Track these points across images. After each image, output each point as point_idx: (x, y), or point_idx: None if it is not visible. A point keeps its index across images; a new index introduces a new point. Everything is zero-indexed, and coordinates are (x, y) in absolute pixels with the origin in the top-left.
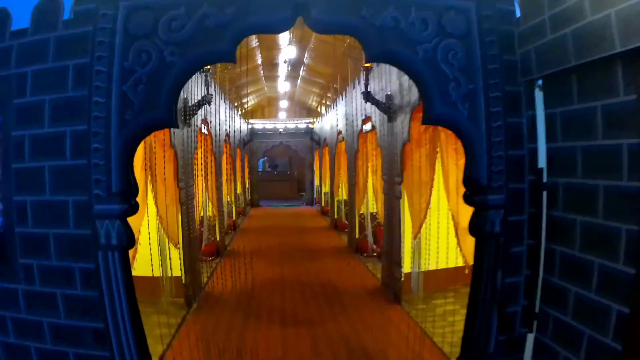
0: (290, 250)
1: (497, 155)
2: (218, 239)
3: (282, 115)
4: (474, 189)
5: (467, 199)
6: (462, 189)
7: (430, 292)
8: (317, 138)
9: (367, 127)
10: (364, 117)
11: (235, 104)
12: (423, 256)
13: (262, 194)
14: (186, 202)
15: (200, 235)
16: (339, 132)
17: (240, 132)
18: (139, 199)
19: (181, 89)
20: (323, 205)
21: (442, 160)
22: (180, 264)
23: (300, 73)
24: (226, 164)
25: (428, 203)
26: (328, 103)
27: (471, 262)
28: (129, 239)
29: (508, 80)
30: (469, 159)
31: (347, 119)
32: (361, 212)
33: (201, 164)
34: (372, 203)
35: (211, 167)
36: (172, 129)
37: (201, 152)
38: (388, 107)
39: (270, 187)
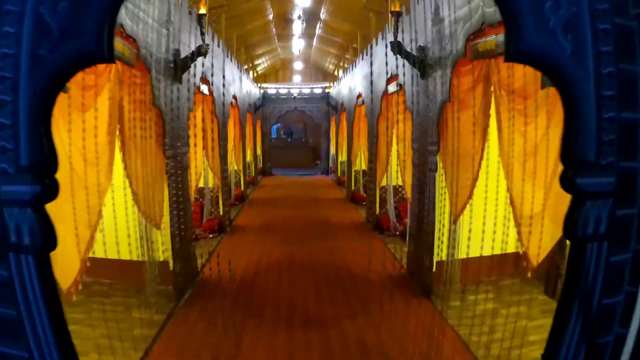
0: (302, 226)
1: (607, 118)
2: (221, 213)
3: (296, 79)
4: (577, 167)
5: (567, 182)
6: (530, 165)
7: (466, 284)
8: (334, 103)
9: (393, 87)
10: (388, 77)
11: (246, 67)
12: (462, 241)
13: (275, 162)
14: (176, 173)
15: (200, 210)
16: (359, 95)
17: (251, 95)
18: (101, 169)
19: (119, 8)
20: (339, 175)
21: (500, 126)
22: (168, 248)
23: (316, 31)
24: (234, 129)
25: (475, 179)
26: (346, 65)
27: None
28: (47, 238)
29: (617, 10)
30: (570, 121)
31: (368, 80)
32: (382, 184)
33: (200, 129)
34: (395, 175)
35: (213, 132)
36: (156, 84)
37: (200, 115)
38: (421, 61)
39: (283, 154)
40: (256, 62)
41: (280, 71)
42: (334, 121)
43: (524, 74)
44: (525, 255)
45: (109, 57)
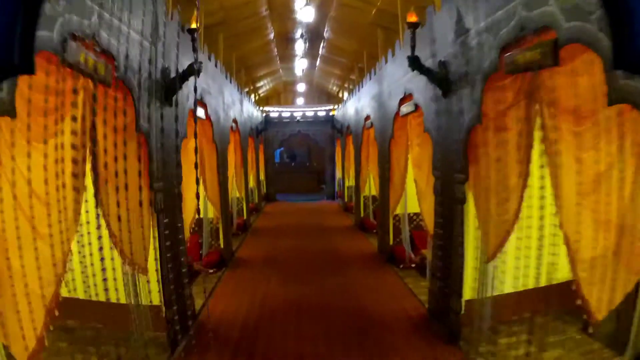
0: (309, 258)
1: None
2: (222, 246)
3: (299, 101)
4: None
5: None
6: (591, 199)
7: (497, 323)
8: (339, 126)
9: (407, 108)
10: (401, 96)
11: (247, 89)
12: (496, 277)
13: (279, 187)
14: (166, 208)
15: (198, 243)
16: (366, 117)
17: (252, 119)
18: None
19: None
20: (346, 200)
21: (549, 152)
22: (159, 293)
23: (320, 51)
24: (235, 155)
25: (517, 213)
26: (351, 87)
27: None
28: None
29: None
30: None
31: (378, 101)
32: (396, 213)
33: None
34: (411, 203)
35: (211, 159)
36: (139, 107)
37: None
38: (443, 78)
39: (287, 179)
40: (257, 85)
41: (282, 94)
42: (339, 145)
43: (577, 90)
44: (586, 307)
45: (23, 66)
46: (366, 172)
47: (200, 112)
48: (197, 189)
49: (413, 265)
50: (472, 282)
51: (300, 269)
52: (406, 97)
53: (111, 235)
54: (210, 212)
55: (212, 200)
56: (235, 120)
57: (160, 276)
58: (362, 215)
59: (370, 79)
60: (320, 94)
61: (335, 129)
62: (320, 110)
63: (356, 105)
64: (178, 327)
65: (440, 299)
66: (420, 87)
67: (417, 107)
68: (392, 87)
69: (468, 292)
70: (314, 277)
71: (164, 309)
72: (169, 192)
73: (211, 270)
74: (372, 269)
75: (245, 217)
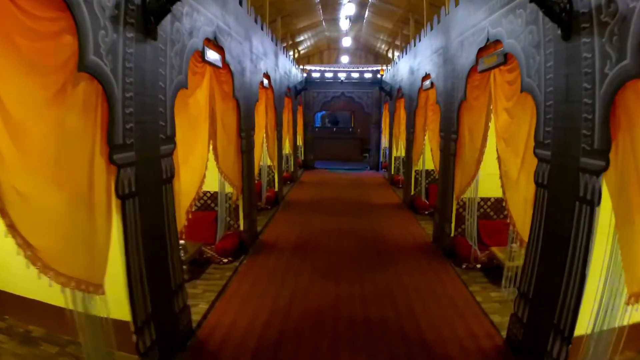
0: (349, 247)
1: None
2: (241, 228)
3: (344, 60)
4: None
5: None
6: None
7: None
8: (388, 88)
9: (491, 60)
10: (482, 45)
11: (284, 44)
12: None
13: (318, 153)
14: (141, 191)
15: (211, 224)
16: (425, 77)
17: (290, 77)
18: None
19: None
20: (393, 172)
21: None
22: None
23: None
24: (266, 116)
25: None
26: (404, 44)
27: None
28: None
29: None
30: None
31: (442, 55)
32: (463, 199)
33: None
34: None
35: (227, 119)
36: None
37: (204, 94)
38: (567, 9)
39: (328, 146)
40: (297, 39)
41: (325, 52)
42: (386, 109)
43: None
44: None
45: None
46: (421, 142)
47: (214, 56)
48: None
49: (479, 265)
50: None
51: (338, 261)
52: (489, 46)
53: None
54: (229, 185)
55: (225, 172)
56: (267, 76)
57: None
58: (412, 192)
59: (431, 29)
60: (368, 53)
61: (383, 91)
62: (367, 72)
63: (411, 64)
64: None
65: (531, 330)
66: (516, 29)
67: (506, 57)
68: (466, 35)
69: (581, 326)
70: (354, 274)
71: (133, 326)
72: (149, 166)
73: (225, 260)
74: (426, 266)
75: (276, 189)
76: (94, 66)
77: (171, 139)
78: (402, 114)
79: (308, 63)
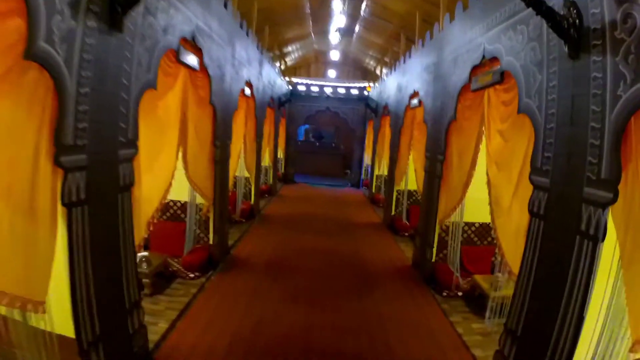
0: (326, 268)
1: None
2: (211, 242)
3: (331, 74)
4: None
5: None
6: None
7: None
8: (373, 105)
9: (485, 78)
10: (476, 63)
11: (271, 54)
12: None
13: (299, 167)
14: (91, 199)
15: (179, 235)
16: (413, 95)
17: (274, 87)
18: None
19: None
20: (374, 191)
21: None
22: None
23: (361, 12)
24: (245, 126)
25: None
26: (393, 61)
27: None
28: None
29: None
30: None
31: (433, 72)
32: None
33: (180, 120)
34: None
35: (201, 126)
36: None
37: (176, 98)
38: (574, 24)
39: (310, 160)
40: (285, 50)
41: (313, 65)
42: (371, 126)
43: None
44: None
45: None
46: (405, 162)
47: (190, 57)
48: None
49: (460, 293)
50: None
51: (312, 284)
52: (484, 64)
53: None
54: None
55: (195, 182)
56: (249, 84)
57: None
58: (393, 213)
59: (422, 46)
60: (355, 69)
61: (369, 108)
62: (354, 88)
63: (399, 81)
64: None
65: None
66: (515, 46)
67: (503, 76)
68: (460, 52)
69: None
70: (328, 300)
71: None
72: (103, 172)
73: (192, 275)
74: (406, 293)
75: (253, 201)
76: (43, 54)
77: (132, 143)
78: (386, 132)
79: (294, 75)
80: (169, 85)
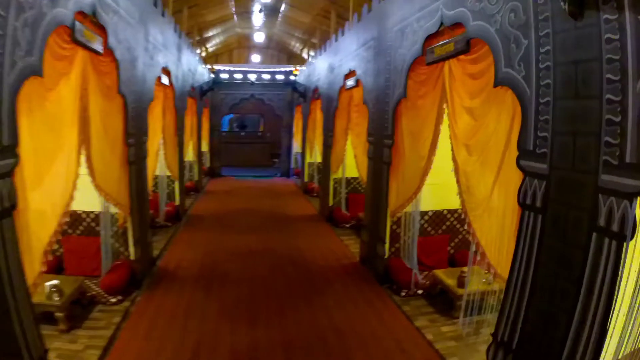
0: (263, 272)
1: None
2: (132, 256)
3: (255, 59)
4: None
5: None
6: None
7: None
8: (302, 89)
9: (445, 48)
10: (433, 31)
11: (191, 40)
12: None
13: (226, 159)
14: None
15: (94, 253)
16: (349, 74)
17: (195, 75)
18: None
19: None
20: (306, 180)
21: None
22: None
23: None
24: (163, 119)
25: None
26: (322, 43)
27: None
28: None
29: None
30: None
31: (374, 47)
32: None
33: (80, 116)
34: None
35: (109, 121)
36: None
37: (74, 89)
38: None
39: (236, 151)
40: (206, 35)
41: (235, 50)
42: (299, 112)
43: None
44: None
45: None
46: (342, 148)
47: (91, 36)
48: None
49: (420, 291)
50: None
51: (251, 293)
52: (442, 32)
53: None
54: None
55: (105, 189)
56: (167, 71)
57: None
58: (331, 203)
59: (359, 21)
60: (280, 53)
61: (297, 92)
62: (279, 72)
63: (331, 61)
64: None
65: None
66: (488, 7)
67: (469, 44)
68: (410, 21)
69: None
70: (272, 311)
71: None
72: None
73: (114, 299)
74: (359, 296)
75: (178, 202)
76: None
77: (9, 151)
78: (317, 117)
79: (216, 62)
80: (62, 71)
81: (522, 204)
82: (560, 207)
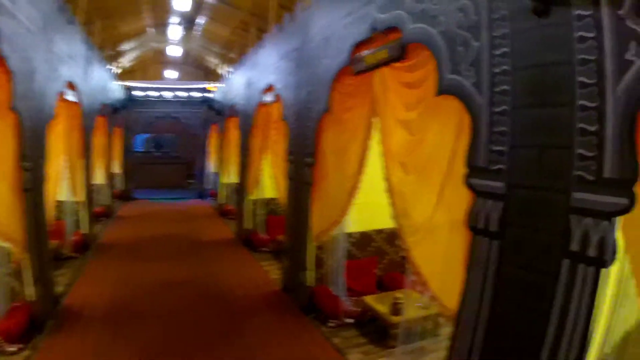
0: (179, 307)
1: None
2: (31, 297)
3: (171, 75)
4: None
5: None
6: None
7: None
8: (218, 107)
9: (376, 55)
10: (359, 39)
11: (105, 55)
12: None
13: (140, 181)
14: None
15: None
16: (267, 89)
17: (107, 92)
18: None
19: None
20: (223, 201)
21: None
22: None
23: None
24: (68, 138)
25: None
26: (241, 55)
27: None
28: None
29: None
30: None
31: (294, 59)
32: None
33: None
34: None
35: (6, 143)
36: None
37: None
38: None
39: (151, 172)
40: (120, 49)
41: (151, 66)
42: (215, 130)
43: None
44: None
45: None
46: (258, 167)
47: None
48: None
49: (350, 320)
50: None
51: (167, 330)
52: (373, 39)
53: None
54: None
55: None
56: (73, 86)
57: None
58: (246, 225)
59: (281, 30)
60: (197, 69)
61: (213, 110)
62: (195, 90)
63: (249, 75)
64: None
65: None
66: (430, 8)
67: (405, 50)
68: (336, 27)
69: None
70: (192, 352)
71: None
72: None
73: (13, 348)
74: (284, 328)
75: (86, 230)
76: None
77: None
78: (234, 135)
79: (131, 79)
80: None
81: (472, 227)
82: (523, 231)
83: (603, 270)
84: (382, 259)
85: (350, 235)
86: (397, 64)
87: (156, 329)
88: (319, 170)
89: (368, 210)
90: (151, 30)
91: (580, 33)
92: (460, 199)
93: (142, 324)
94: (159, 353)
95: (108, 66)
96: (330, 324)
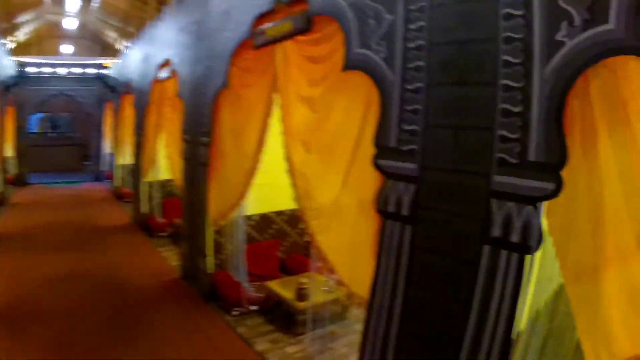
0: (86, 319)
1: None
2: None
3: (67, 50)
4: None
5: None
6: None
7: None
8: (113, 83)
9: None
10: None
11: None
12: None
13: (35, 164)
14: None
15: None
16: (164, 64)
17: None
18: None
19: None
20: (118, 184)
21: None
22: None
23: None
24: None
25: None
26: (140, 29)
27: None
28: None
29: None
30: None
31: (194, 32)
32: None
33: None
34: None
35: None
36: None
37: None
38: None
39: (46, 155)
40: (15, 21)
41: (47, 41)
42: (110, 109)
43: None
44: None
45: None
46: (153, 147)
47: None
48: None
49: (254, 307)
50: None
51: (64, 330)
52: (276, 9)
53: None
54: None
55: None
56: None
57: None
58: (143, 209)
59: (181, 2)
60: (94, 44)
61: (107, 87)
62: (90, 65)
63: (146, 51)
64: None
65: None
66: None
67: (310, 23)
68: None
69: None
70: (93, 353)
71: None
72: None
73: None
74: (186, 320)
75: None
76: None
77: None
78: (129, 113)
79: (27, 54)
80: None
81: (382, 211)
82: (437, 215)
83: (528, 257)
84: (284, 242)
85: (249, 217)
86: (302, 37)
87: (54, 328)
88: (215, 149)
89: (268, 191)
90: (48, 1)
91: (507, 10)
92: (368, 181)
93: (39, 323)
94: (59, 353)
95: (2, 40)
96: (234, 312)
